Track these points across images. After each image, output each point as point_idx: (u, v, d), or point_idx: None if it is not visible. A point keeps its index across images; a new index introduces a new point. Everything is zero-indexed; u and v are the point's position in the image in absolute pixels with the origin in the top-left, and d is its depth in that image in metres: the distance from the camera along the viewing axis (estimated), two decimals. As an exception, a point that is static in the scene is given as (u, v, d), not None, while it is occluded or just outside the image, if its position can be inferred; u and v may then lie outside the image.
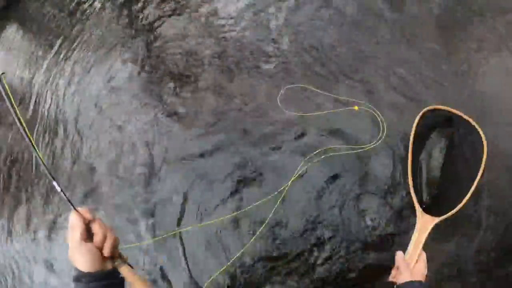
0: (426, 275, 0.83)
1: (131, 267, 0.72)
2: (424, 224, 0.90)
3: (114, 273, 0.70)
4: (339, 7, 1.77)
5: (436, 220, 0.92)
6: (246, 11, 1.91)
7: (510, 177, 1.24)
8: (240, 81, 1.72)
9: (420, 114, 1.06)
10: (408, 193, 1.02)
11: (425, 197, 1.01)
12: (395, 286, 0.81)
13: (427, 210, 0.94)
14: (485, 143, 1.00)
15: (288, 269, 1.32)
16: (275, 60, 1.73)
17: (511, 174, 1.24)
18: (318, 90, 1.56)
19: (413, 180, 1.01)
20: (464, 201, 0.96)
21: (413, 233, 0.90)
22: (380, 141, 1.34)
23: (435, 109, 1.06)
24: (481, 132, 1.01)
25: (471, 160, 1.01)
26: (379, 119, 1.40)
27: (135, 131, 1.80)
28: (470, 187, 0.96)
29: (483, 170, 0.97)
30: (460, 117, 1.05)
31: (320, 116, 1.50)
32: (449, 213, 0.95)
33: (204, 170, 1.56)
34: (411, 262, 0.84)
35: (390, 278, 0.86)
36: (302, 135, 1.51)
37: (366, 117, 1.43)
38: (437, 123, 1.07)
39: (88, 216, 0.68)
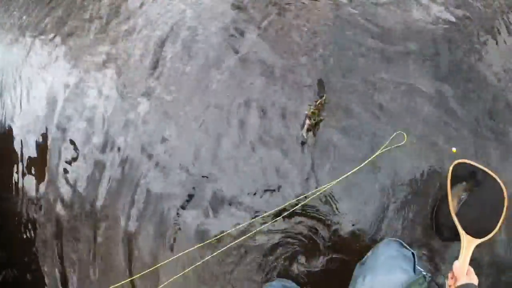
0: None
1: None
2: (468, 244, 1.08)
3: None
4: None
5: (478, 241, 1.09)
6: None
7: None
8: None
9: (453, 165, 1.22)
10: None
11: (464, 222, 1.15)
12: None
13: (469, 232, 1.11)
14: (506, 200, 1.17)
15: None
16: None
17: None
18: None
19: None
20: (498, 226, 1.14)
21: (460, 250, 1.08)
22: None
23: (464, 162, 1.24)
24: (504, 190, 1.18)
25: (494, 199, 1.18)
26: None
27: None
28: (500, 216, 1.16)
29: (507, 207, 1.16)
30: (484, 171, 1.21)
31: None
32: (489, 236, 1.12)
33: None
34: (464, 270, 0.99)
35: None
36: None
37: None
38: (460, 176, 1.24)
39: None
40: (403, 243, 1.17)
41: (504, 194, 1.18)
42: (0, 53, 2.07)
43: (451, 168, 1.21)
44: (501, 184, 1.19)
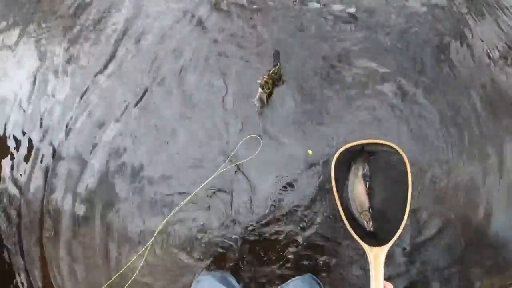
0: None
1: None
2: (376, 256, 0.91)
3: None
4: None
5: (386, 248, 0.93)
6: None
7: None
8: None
9: (335, 157, 1.06)
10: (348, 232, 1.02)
11: (366, 225, 1.02)
12: None
13: (373, 242, 0.96)
14: (405, 158, 1.02)
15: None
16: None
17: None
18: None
19: (347, 218, 1.02)
20: (405, 220, 0.98)
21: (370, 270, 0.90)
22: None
23: (347, 148, 1.08)
24: (399, 150, 1.03)
25: (397, 179, 1.03)
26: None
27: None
28: (405, 205, 0.98)
29: (411, 186, 1.00)
30: (374, 144, 1.08)
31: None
32: (394, 237, 0.96)
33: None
34: None
35: None
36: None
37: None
38: (352, 158, 1.09)
39: None
40: (321, 285, 1.16)
41: (406, 162, 1.02)
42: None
43: (332, 172, 1.04)
44: (400, 151, 1.03)
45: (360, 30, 1.49)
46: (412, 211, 1.32)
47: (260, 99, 1.37)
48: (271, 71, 1.40)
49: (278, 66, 1.41)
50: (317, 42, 1.48)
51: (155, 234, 1.32)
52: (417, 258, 1.33)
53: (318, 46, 1.48)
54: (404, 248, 1.33)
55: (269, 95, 1.40)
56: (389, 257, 1.20)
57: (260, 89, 1.36)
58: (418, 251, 1.33)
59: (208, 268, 1.33)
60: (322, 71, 1.45)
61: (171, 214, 1.33)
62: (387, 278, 0.95)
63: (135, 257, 1.32)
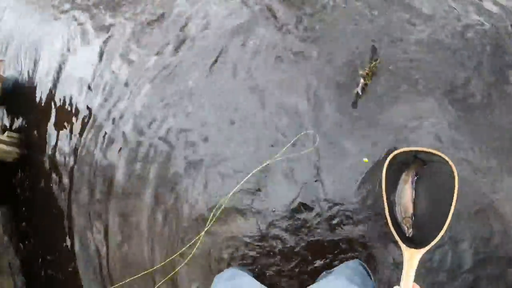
0: None
1: None
2: (410, 258, 0.95)
3: None
4: None
5: (422, 251, 0.96)
6: None
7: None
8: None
9: (387, 160, 1.10)
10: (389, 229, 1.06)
11: (406, 231, 1.05)
12: None
13: (411, 243, 0.99)
14: (454, 170, 1.04)
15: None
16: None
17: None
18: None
19: (390, 217, 1.06)
20: (445, 228, 0.99)
21: (402, 269, 0.93)
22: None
23: (401, 152, 1.11)
24: (449, 161, 1.05)
25: (445, 191, 1.05)
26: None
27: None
28: (447, 214, 1.01)
29: (457, 198, 1.01)
30: (426, 152, 1.11)
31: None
32: (432, 243, 0.98)
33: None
34: None
35: None
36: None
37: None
38: (404, 163, 1.13)
39: None
40: (369, 271, 1.20)
41: (454, 173, 1.03)
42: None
43: (385, 168, 1.07)
44: (450, 163, 1.04)
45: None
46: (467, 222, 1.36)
47: (362, 88, 1.50)
48: (372, 64, 1.52)
49: (378, 60, 1.53)
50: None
51: (213, 219, 1.44)
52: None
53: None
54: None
55: (366, 86, 1.53)
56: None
57: (362, 80, 1.49)
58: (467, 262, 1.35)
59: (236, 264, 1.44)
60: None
61: (228, 196, 1.44)
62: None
63: (192, 241, 1.46)
